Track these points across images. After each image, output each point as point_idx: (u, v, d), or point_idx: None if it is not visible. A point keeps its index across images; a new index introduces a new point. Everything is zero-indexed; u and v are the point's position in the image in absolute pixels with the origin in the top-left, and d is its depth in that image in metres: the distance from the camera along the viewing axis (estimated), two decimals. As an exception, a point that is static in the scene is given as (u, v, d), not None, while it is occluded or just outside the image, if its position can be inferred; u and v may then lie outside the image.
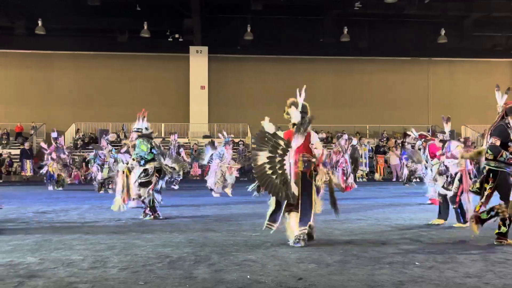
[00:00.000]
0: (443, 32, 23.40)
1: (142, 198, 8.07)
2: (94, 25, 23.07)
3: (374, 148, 22.94)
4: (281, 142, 5.77)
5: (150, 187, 8.00)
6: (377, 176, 21.80)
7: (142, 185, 7.97)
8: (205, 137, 23.21)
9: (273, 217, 5.97)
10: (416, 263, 4.91)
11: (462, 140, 22.68)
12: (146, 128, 8.27)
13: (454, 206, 7.48)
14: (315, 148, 6.01)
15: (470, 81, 26.58)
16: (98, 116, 24.25)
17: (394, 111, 25.98)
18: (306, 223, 5.84)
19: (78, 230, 7.08)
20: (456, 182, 7.39)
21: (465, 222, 7.18)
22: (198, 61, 24.77)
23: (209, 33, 23.90)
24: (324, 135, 24.46)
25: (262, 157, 5.71)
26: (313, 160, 5.93)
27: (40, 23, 21.87)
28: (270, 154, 5.70)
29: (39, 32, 22.00)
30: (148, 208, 8.11)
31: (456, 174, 7.43)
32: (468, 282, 4.20)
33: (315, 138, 6.13)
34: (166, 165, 8.16)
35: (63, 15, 22.05)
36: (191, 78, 24.63)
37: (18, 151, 21.88)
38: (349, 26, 23.32)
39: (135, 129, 8.36)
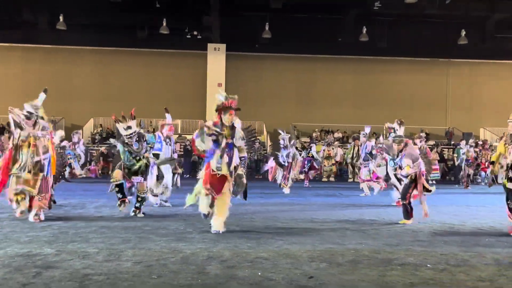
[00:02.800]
0: (463, 33, 23.09)
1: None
2: (114, 21, 23.30)
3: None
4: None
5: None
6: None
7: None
8: (220, 134, 23.25)
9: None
10: (428, 265, 4.91)
11: (480, 142, 22.45)
12: (141, 125, 8.23)
13: (404, 202, 7.70)
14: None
15: (489, 83, 26.17)
16: (116, 111, 24.23)
17: (412, 112, 25.67)
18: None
19: (94, 224, 7.20)
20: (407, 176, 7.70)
21: (409, 218, 7.66)
22: (216, 59, 24.84)
23: (228, 30, 23.94)
24: (340, 135, 24.38)
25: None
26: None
27: (61, 18, 22.18)
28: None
29: (60, 27, 22.32)
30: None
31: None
32: (480, 286, 4.19)
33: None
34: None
35: (84, 11, 22.34)
36: (209, 75, 24.72)
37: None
38: (368, 25, 23.15)
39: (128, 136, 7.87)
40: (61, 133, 7.85)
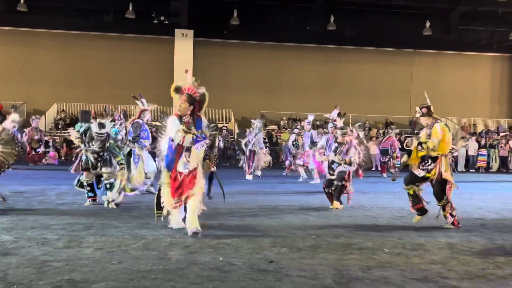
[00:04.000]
0: (428, 24, 23.54)
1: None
2: (78, 4, 22.70)
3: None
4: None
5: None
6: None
7: None
8: (188, 121, 23.11)
9: None
10: (385, 249, 5.07)
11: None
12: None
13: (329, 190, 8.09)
14: None
15: (453, 74, 26.89)
16: (80, 97, 23.97)
17: (377, 102, 26.20)
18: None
19: (55, 210, 7.10)
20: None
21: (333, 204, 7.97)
22: (183, 45, 24.56)
23: (196, 16, 23.66)
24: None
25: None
26: None
27: (22, 0, 21.45)
28: None
29: (21, 9, 21.58)
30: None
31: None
32: (432, 268, 4.36)
33: None
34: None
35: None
36: (176, 61, 24.44)
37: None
38: (336, 14, 23.30)
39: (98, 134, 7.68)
40: (14, 116, 7.41)
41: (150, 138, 9.25)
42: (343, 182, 7.97)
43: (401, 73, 26.57)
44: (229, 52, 25.48)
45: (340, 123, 8.74)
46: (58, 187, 10.10)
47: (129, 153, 8.80)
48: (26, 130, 16.79)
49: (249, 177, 13.34)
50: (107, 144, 7.76)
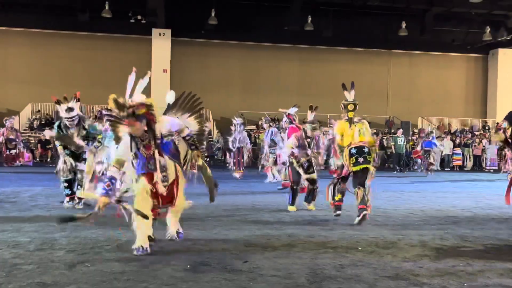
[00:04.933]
0: (404, 25, 23.86)
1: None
2: (53, 2, 22.33)
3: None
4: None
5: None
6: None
7: None
8: (166, 121, 22.99)
9: None
10: (359, 248, 5.12)
11: (416, 131, 23.45)
12: (81, 109, 7.89)
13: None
14: None
15: (428, 74, 27.30)
16: (55, 96, 23.57)
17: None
18: None
19: (28, 213, 6.98)
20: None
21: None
22: (161, 44, 24.39)
23: (173, 16, 23.53)
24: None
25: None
26: None
27: (-7, -3, 21.03)
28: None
29: (-8, 7, 21.16)
30: None
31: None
32: (404, 266, 4.43)
33: None
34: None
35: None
36: (153, 61, 24.25)
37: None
38: (313, 15, 23.44)
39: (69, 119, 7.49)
40: None
41: None
42: (316, 185, 7.90)
43: (377, 73, 26.87)
44: (207, 52, 25.41)
45: (310, 117, 8.64)
46: (32, 189, 9.93)
47: None
48: (1, 131, 16.49)
49: (236, 174, 13.36)
50: (85, 126, 7.59)
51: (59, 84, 23.89)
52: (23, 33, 23.92)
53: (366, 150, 6.68)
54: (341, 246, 5.20)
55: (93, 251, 4.74)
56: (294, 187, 7.96)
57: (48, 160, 19.23)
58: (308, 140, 7.96)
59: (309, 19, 23.19)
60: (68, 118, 7.47)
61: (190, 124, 5.36)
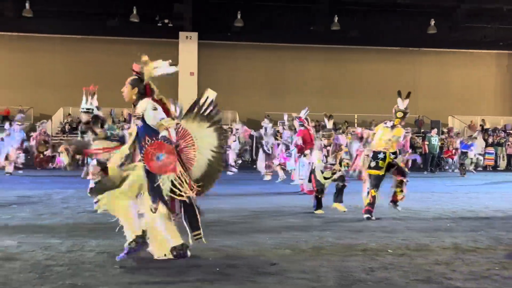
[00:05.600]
0: (432, 22, 23.43)
1: None
2: (83, 8, 22.80)
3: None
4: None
5: None
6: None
7: None
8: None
9: None
10: (389, 250, 5.03)
11: (446, 130, 22.93)
12: (98, 108, 7.75)
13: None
14: None
15: (458, 72, 26.70)
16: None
17: (382, 101, 25.99)
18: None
19: (60, 215, 7.11)
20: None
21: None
22: (188, 47, 24.61)
23: (200, 19, 23.71)
24: (313, 124, 24.51)
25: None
26: None
27: (27, 5, 21.59)
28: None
29: (26, 14, 21.72)
30: None
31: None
32: (436, 269, 4.32)
33: None
34: None
35: (51, -3, 21.82)
36: (180, 64, 24.30)
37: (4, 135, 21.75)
38: (340, 14, 23.26)
39: (85, 110, 7.57)
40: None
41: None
42: (344, 183, 7.76)
43: (405, 72, 26.41)
44: (233, 54, 25.51)
45: (329, 125, 8.49)
46: (64, 191, 10.15)
47: None
48: (34, 135, 16.94)
49: (268, 177, 13.43)
50: (104, 126, 7.54)
51: (90, 84, 24.36)
52: (55, 39, 24.53)
53: (380, 156, 7.00)
54: (371, 248, 5.11)
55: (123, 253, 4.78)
56: (319, 196, 7.71)
57: (79, 163, 19.59)
58: (328, 148, 7.85)
59: (336, 19, 23.01)
60: (85, 109, 7.55)
61: (208, 136, 4.65)
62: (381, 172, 7.02)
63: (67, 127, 23.11)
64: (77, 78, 24.50)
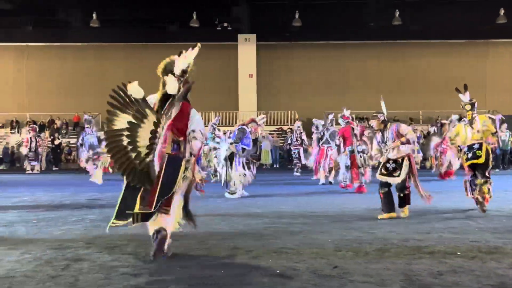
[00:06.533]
0: (502, 12, 22.21)
1: None
2: (144, 16, 23.64)
3: (425, 134, 22.22)
4: (150, 112, 4.62)
5: None
6: (428, 164, 21.09)
7: None
8: (255, 124, 23.40)
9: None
10: (458, 253, 4.76)
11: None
12: None
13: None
14: (193, 137, 4.87)
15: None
16: (150, 105, 24.91)
17: (448, 96, 24.91)
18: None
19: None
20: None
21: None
22: (247, 49, 24.84)
23: (257, 20, 23.88)
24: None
25: (122, 121, 4.52)
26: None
27: (94, 16, 22.67)
28: (133, 120, 4.48)
29: (93, 25, 22.82)
30: None
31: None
32: (510, 274, 4.03)
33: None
34: None
35: (115, 7, 22.77)
36: (240, 67, 24.75)
37: (75, 140, 22.93)
38: (401, 9, 22.60)
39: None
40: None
41: (251, 147, 9.45)
42: (405, 191, 7.06)
43: (473, 66, 25.24)
44: (292, 54, 25.47)
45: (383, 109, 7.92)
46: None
47: (231, 156, 9.19)
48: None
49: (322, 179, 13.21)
50: None
51: (152, 92, 25.19)
52: (118, 47, 25.58)
53: (476, 146, 7.21)
54: (439, 251, 4.86)
55: (186, 254, 4.85)
56: (381, 193, 7.14)
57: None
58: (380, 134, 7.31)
59: (397, 13, 22.36)
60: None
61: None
62: (481, 160, 7.16)
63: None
64: (140, 84, 25.42)
